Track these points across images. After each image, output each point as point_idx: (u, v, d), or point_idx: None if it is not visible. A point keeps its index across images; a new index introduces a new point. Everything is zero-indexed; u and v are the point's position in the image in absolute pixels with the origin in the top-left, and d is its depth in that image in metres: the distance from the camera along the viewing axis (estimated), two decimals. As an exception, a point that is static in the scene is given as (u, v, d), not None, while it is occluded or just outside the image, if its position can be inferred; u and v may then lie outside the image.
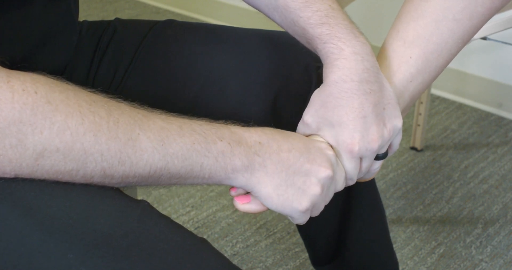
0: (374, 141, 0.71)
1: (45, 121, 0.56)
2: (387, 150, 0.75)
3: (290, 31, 0.77)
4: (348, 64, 0.70)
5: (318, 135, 0.73)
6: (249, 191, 0.69)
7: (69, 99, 0.58)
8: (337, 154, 0.71)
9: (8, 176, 0.58)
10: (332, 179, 0.70)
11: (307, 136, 0.74)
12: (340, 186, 0.72)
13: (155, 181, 0.63)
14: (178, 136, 0.62)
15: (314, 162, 0.68)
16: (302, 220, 0.70)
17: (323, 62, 0.72)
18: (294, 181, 0.68)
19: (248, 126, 0.70)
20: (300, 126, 0.75)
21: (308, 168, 0.68)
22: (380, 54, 0.78)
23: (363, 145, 0.70)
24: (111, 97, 0.62)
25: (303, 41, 0.76)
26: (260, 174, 0.67)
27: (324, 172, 0.68)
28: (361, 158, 0.72)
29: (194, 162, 0.63)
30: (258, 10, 0.81)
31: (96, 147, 0.59)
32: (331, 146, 0.72)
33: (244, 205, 0.70)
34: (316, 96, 0.72)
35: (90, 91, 0.61)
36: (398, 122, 0.73)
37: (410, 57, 0.76)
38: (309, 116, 0.73)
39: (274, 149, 0.67)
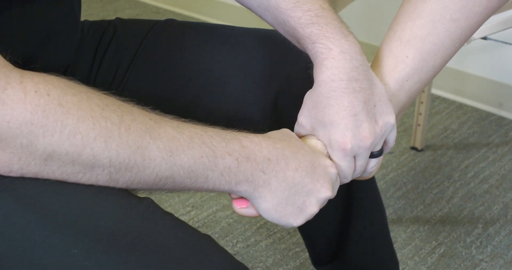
0: (366, 138, 0.71)
1: (56, 124, 0.56)
2: (382, 148, 0.75)
3: (281, 31, 0.78)
4: (336, 64, 0.70)
5: (313, 135, 0.73)
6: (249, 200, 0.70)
7: (81, 102, 0.58)
8: (330, 154, 0.72)
9: (14, 174, 0.58)
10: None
11: (303, 136, 0.74)
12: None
13: (159, 188, 0.64)
14: (187, 148, 0.63)
15: (317, 183, 0.69)
16: (293, 228, 0.71)
17: (313, 62, 0.73)
18: (295, 200, 0.68)
19: (264, 131, 0.70)
20: (295, 127, 0.75)
21: (310, 189, 0.69)
22: (377, 54, 0.78)
23: (356, 143, 0.71)
24: (123, 100, 0.62)
25: (293, 41, 0.77)
26: (263, 190, 0.67)
27: (325, 193, 0.69)
28: (355, 157, 0.73)
29: (200, 174, 0.64)
30: (250, 10, 0.81)
31: (105, 153, 0.58)
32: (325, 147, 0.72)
33: (241, 209, 0.70)
34: (308, 97, 0.73)
35: (103, 94, 0.61)
36: (390, 118, 0.73)
37: (407, 57, 0.76)
38: (303, 117, 0.74)
39: (281, 166, 0.67)
